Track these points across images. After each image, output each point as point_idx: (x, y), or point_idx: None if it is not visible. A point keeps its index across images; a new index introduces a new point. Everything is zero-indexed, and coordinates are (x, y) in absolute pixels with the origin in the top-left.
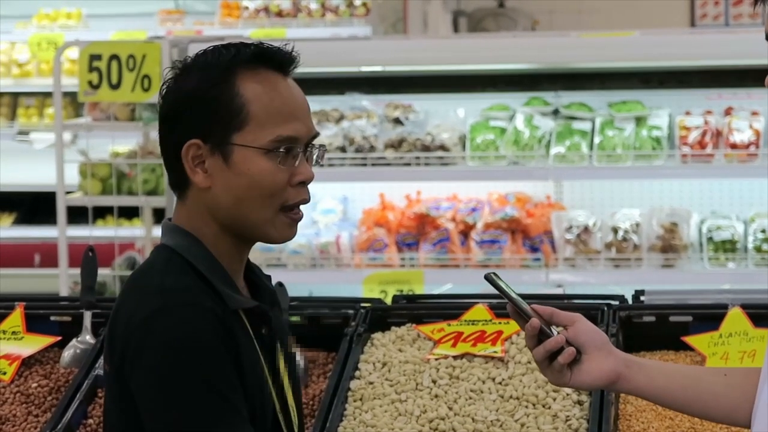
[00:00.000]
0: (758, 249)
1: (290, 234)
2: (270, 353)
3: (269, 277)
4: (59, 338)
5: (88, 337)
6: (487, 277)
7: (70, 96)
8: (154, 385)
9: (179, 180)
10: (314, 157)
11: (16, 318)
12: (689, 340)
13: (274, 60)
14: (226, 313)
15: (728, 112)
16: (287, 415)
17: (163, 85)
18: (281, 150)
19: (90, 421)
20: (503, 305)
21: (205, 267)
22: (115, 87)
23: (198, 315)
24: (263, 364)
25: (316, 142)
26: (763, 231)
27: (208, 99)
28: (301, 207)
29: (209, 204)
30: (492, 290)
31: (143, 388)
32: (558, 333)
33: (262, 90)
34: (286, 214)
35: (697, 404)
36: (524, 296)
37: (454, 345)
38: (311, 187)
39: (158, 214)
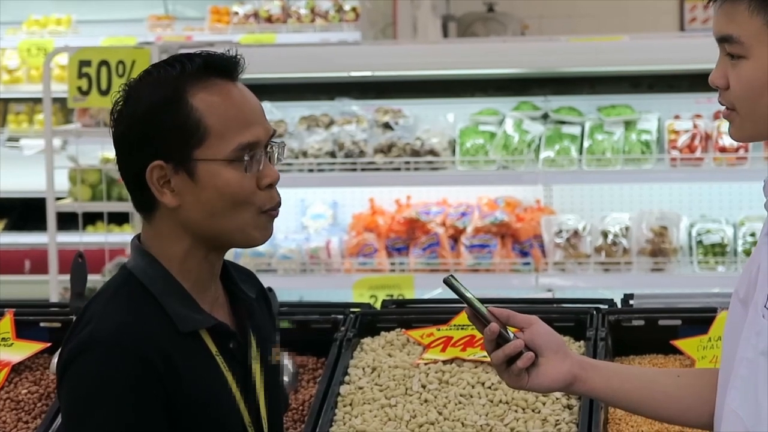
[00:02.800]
0: (748, 252)
1: (270, 234)
2: (242, 366)
3: (256, 280)
4: (49, 344)
5: None
6: (446, 281)
7: (60, 102)
8: (64, 416)
9: (144, 202)
10: (275, 155)
11: (5, 324)
12: (678, 343)
13: (222, 68)
14: (171, 337)
15: (717, 116)
16: (259, 427)
17: (114, 107)
18: (245, 158)
19: None
20: None
21: (158, 289)
22: (104, 93)
23: (115, 358)
24: (229, 380)
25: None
26: (753, 234)
27: (163, 119)
28: (293, 212)
29: (182, 221)
30: (482, 294)
31: (62, 412)
32: (515, 336)
33: (215, 101)
34: (266, 215)
35: (651, 404)
36: (508, 300)
37: (443, 350)
38: (301, 192)
39: None
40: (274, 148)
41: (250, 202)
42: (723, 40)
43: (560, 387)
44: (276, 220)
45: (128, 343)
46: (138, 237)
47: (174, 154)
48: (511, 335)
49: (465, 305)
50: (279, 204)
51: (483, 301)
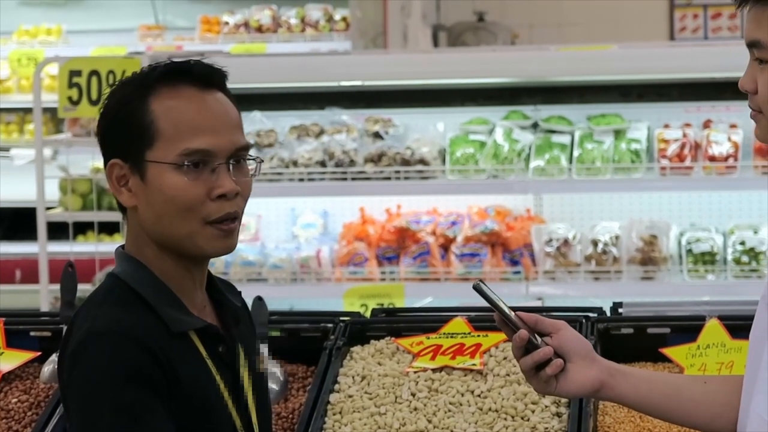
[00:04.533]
0: (737, 261)
1: (223, 245)
2: (231, 371)
3: (238, 293)
4: (39, 354)
5: None
6: (475, 286)
7: (51, 112)
8: (74, 414)
9: (118, 203)
10: (250, 169)
11: None
12: (667, 351)
13: (191, 74)
14: (164, 337)
15: (707, 124)
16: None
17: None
18: (187, 164)
19: None
20: (482, 318)
21: (148, 292)
22: (95, 103)
23: (119, 345)
24: (219, 383)
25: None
26: (742, 243)
27: (122, 117)
28: (283, 222)
29: (140, 223)
30: (472, 303)
31: (70, 414)
32: (543, 342)
33: (173, 105)
34: (213, 227)
35: (679, 412)
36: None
37: (433, 358)
38: (291, 201)
39: None
40: (242, 161)
41: (196, 210)
42: (752, 45)
43: (588, 393)
44: (266, 229)
45: (129, 333)
46: (122, 246)
47: (130, 153)
48: (540, 341)
49: (492, 311)
50: (230, 217)
51: (479, 309)
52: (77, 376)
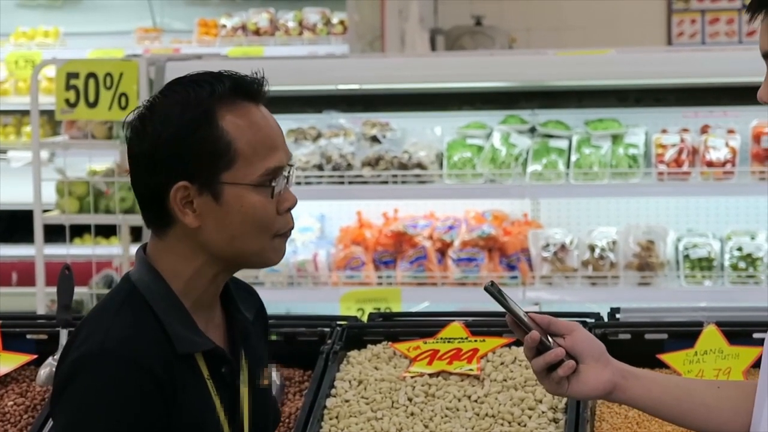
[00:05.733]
0: (735, 267)
1: (282, 255)
2: (230, 390)
3: (254, 296)
4: (35, 356)
5: None
6: (486, 288)
7: (48, 114)
8: (63, 427)
9: (160, 219)
10: (292, 179)
11: None
12: (664, 357)
13: (249, 91)
14: (169, 357)
15: (704, 130)
16: None
17: (134, 122)
18: (272, 183)
19: None
20: (479, 323)
21: (161, 307)
22: (92, 105)
23: (125, 370)
24: (216, 404)
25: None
26: (740, 249)
27: (193, 141)
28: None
29: (201, 242)
30: (469, 307)
31: (55, 421)
32: (555, 343)
33: (243, 125)
34: (280, 239)
35: (690, 416)
36: (495, 314)
37: (429, 363)
38: None
39: (136, 233)
40: (290, 171)
41: (270, 227)
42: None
43: (600, 395)
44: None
45: (139, 358)
46: (144, 247)
47: (201, 175)
48: (552, 342)
49: (505, 313)
50: (292, 227)
51: (476, 313)
52: (72, 390)
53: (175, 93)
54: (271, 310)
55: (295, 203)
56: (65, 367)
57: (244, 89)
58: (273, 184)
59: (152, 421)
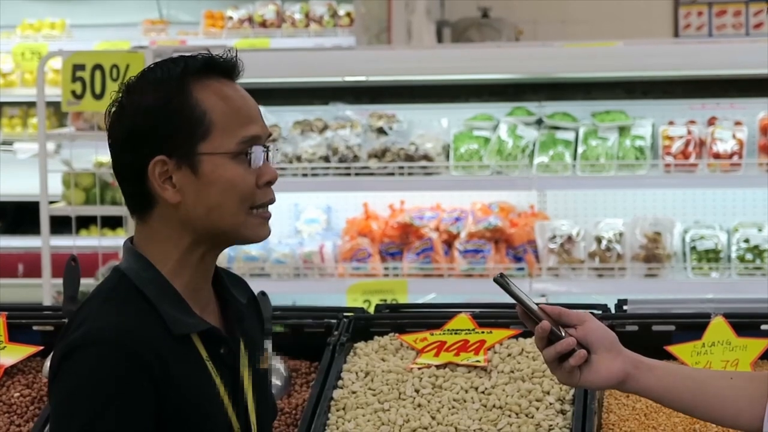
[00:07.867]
0: (741, 258)
1: (264, 232)
2: (231, 371)
3: (245, 286)
4: (42, 348)
5: None
6: (496, 279)
7: (54, 106)
8: (53, 414)
9: (141, 200)
10: (272, 157)
11: None
12: (672, 349)
13: (222, 68)
14: (164, 340)
15: (711, 122)
16: None
17: (111, 107)
18: (250, 151)
19: None
20: (486, 315)
21: (152, 291)
22: (98, 97)
23: (111, 356)
24: (219, 386)
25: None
26: (746, 241)
27: (168, 113)
28: (286, 217)
29: (181, 218)
30: (476, 299)
31: (51, 411)
32: (567, 333)
33: (218, 96)
34: (257, 215)
35: (703, 406)
36: (502, 306)
37: (437, 354)
38: (295, 197)
39: None
40: (270, 149)
41: (249, 199)
42: None
43: (612, 385)
44: (270, 224)
45: (125, 343)
46: (131, 239)
47: (178, 148)
48: (563, 332)
49: (514, 304)
50: (271, 201)
51: (483, 305)
52: (62, 378)
53: (151, 71)
54: (277, 301)
55: (276, 178)
56: (54, 358)
57: (218, 66)
58: (250, 151)
59: (138, 404)
